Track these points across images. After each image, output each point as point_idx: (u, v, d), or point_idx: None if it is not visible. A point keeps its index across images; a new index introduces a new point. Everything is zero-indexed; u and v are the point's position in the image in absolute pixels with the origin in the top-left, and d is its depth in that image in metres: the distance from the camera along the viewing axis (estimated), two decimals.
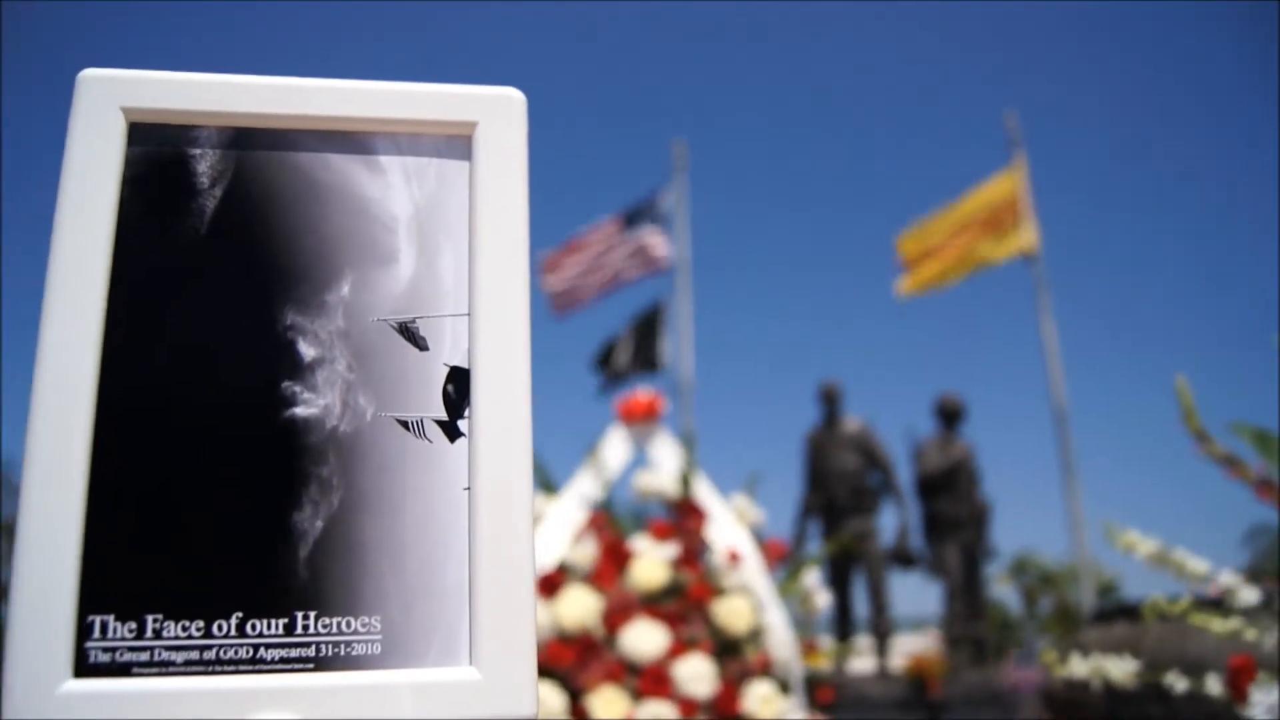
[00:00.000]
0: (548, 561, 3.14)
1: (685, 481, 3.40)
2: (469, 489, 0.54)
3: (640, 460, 3.52)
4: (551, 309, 9.48)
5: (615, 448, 3.49)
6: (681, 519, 3.32)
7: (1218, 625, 1.26)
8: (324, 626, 0.52)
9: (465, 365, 0.56)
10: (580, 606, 2.95)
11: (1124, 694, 1.40)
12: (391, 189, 0.58)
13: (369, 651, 0.52)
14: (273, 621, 0.51)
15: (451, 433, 0.55)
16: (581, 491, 3.37)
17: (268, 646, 0.51)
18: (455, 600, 0.53)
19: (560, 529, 3.24)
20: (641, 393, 3.62)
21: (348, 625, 0.52)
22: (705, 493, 3.42)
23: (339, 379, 0.55)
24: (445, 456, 0.55)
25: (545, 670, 2.90)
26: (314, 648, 0.51)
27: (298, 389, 0.54)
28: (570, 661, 2.86)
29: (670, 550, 3.19)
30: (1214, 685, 1.30)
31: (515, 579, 0.53)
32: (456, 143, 0.59)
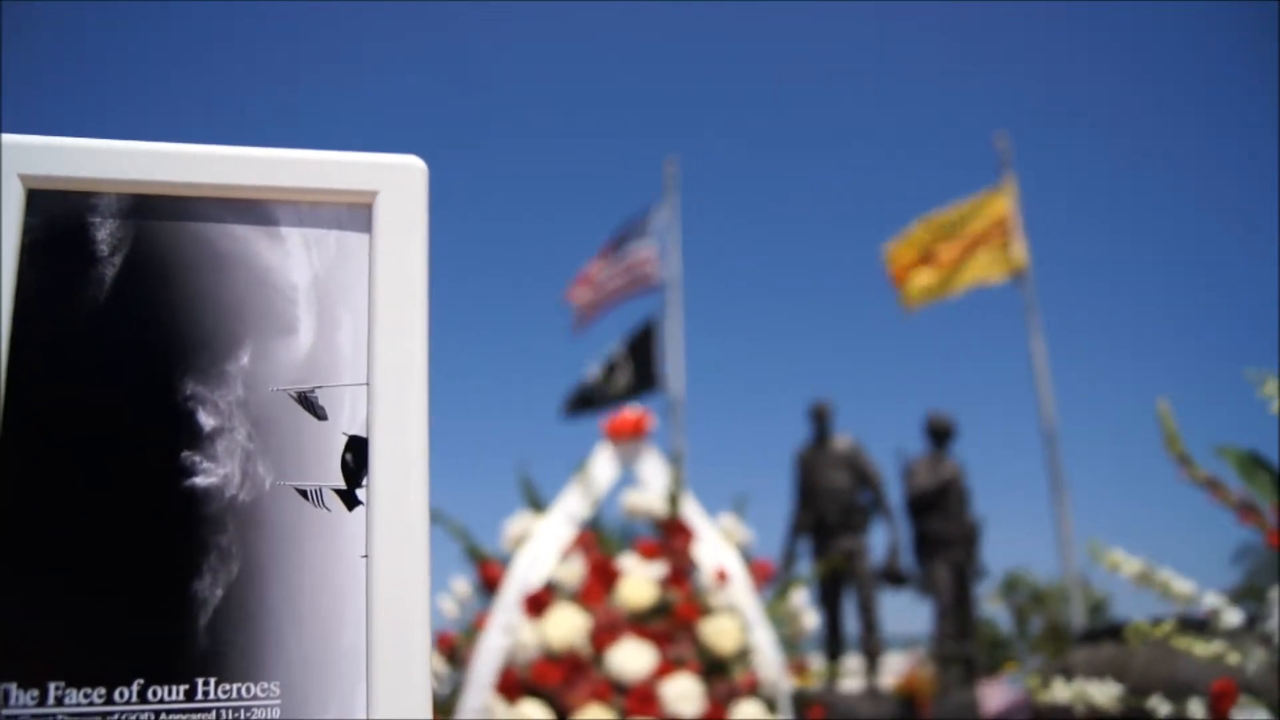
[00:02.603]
0: (536, 579, 3.13)
1: (673, 500, 3.39)
2: (366, 556, 0.55)
3: (628, 479, 3.52)
4: (572, 330, 9.75)
5: (603, 466, 3.48)
6: (669, 538, 3.31)
7: (1200, 648, 1.26)
8: (224, 692, 0.52)
9: (363, 434, 0.57)
10: (567, 625, 2.95)
11: (1108, 717, 1.40)
12: (291, 258, 0.58)
13: (268, 715, 0.53)
14: (174, 688, 0.52)
15: (350, 501, 0.56)
16: (569, 509, 3.37)
17: (169, 712, 0.51)
18: (352, 664, 0.54)
19: (548, 546, 3.23)
20: (629, 410, 3.62)
21: (247, 690, 0.53)
22: (693, 512, 3.42)
23: (238, 448, 0.55)
24: (343, 525, 0.55)
25: (532, 689, 2.89)
26: (214, 713, 0.52)
27: (197, 459, 0.55)
28: (557, 680, 2.85)
29: (658, 569, 3.19)
30: (1196, 709, 1.29)
31: (410, 643, 0.54)
32: (357, 212, 0.60)
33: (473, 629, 3.19)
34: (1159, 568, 1.34)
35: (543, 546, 3.23)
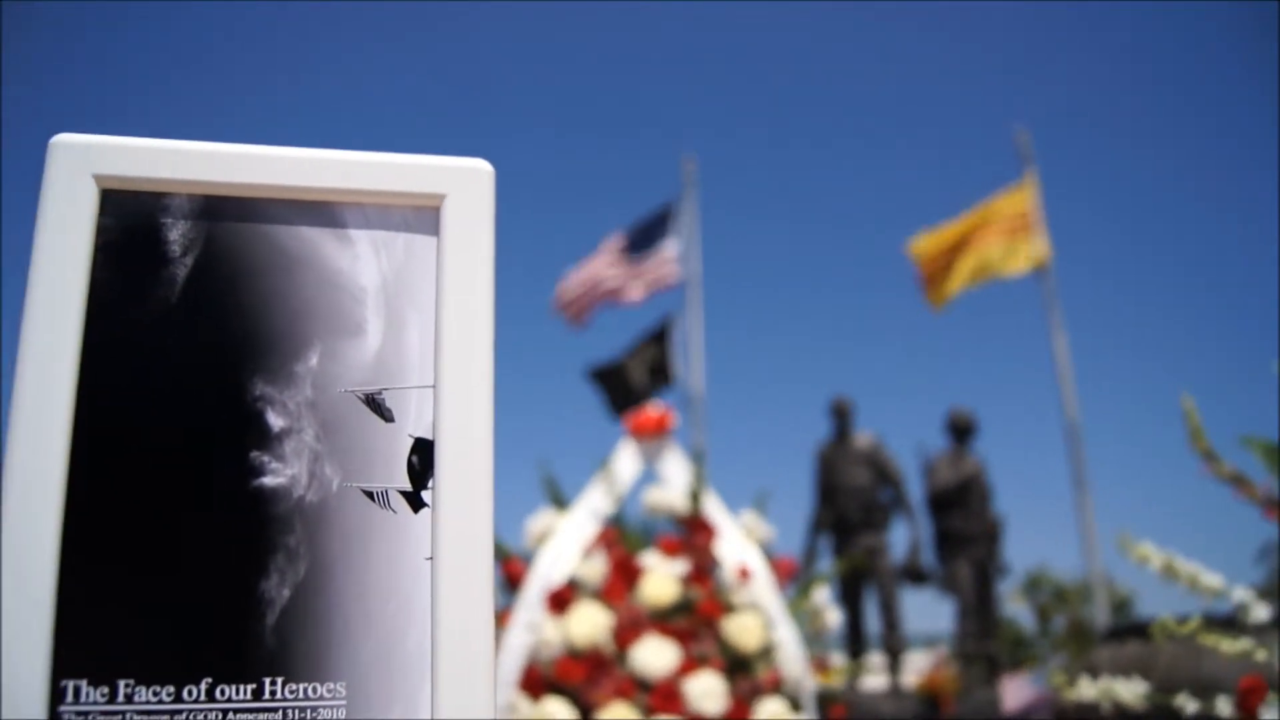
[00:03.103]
0: (558, 576, 3.14)
1: (695, 498, 3.40)
2: (431, 559, 0.55)
3: (650, 476, 3.53)
4: (566, 324, 9.57)
5: (625, 463, 3.49)
6: (691, 535, 3.32)
7: (1227, 646, 1.25)
8: (291, 692, 0.53)
9: (429, 437, 0.57)
10: (590, 623, 2.95)
11: (1135, 715, 1.40)
12: (360, 260, 0.59)
13: (334, 715, 0.53)
14: (241, 687, 0.52)
15: (415, 503, 0.56)
16: (592, 506, 3.37)
17: (236, 711, 0.52)
18: (417, 666, 0.54)
19: (571, 543, 3.24)
20: (652, 408, 3.62)
21: (314, 690, 0.53)
22: (715, 509, 3.42)
23: (306, 449, 0.55)
24: (409, 527, 0.56)
25: (556, 687, 2.90)
26: (281, 713, 0.52)
27: (266, 459, 0.55)
28: (581, 678, 2.86)
29: (680, 566, 3.19)
30: (1224, 706, 1.29)
31: (474, 646, 0.54)
32: (425, 214, 0.60)
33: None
34: (1187, 561, 1.34)
35: (565, 544, 3.24)
